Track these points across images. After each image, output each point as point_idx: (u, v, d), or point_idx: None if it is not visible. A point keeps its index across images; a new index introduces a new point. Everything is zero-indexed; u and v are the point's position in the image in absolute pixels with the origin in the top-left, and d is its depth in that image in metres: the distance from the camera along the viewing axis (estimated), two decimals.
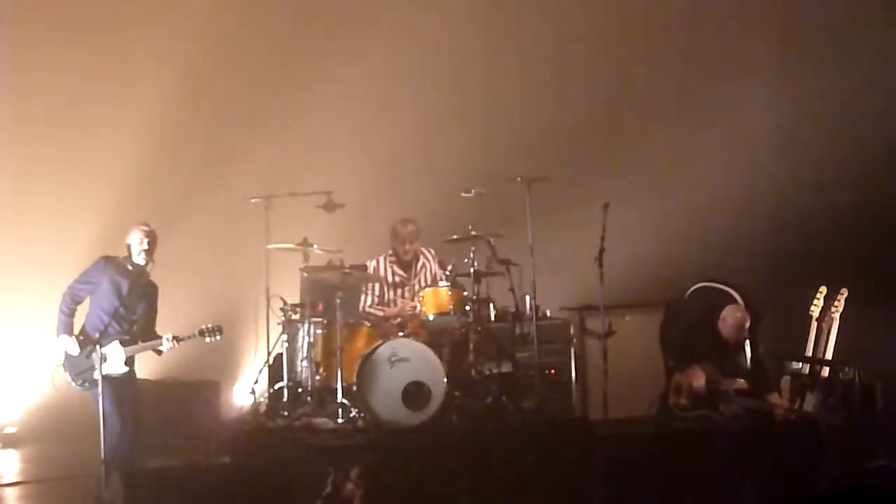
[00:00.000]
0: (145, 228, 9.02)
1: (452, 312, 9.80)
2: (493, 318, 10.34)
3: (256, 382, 10.32)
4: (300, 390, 9.93)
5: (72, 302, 8.92)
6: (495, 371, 10.09)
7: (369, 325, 9.97)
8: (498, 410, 9.76)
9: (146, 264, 8.95)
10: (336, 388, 9.58)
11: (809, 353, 9.71)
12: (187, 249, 11.20)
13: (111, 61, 11.44)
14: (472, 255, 9.94)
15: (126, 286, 8.90)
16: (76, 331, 8.93)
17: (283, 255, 10.28)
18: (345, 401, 9.53)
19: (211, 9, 11.57)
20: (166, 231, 9.50)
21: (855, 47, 11.88)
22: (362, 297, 10.22)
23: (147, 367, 9.28)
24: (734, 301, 9.44)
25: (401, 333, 9.72)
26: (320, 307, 10.12)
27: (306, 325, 9.98)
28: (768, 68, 12.49)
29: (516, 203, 10.25)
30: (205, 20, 11.53)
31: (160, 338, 8.93)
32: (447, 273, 10.01)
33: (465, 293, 9.88)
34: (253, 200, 10.44)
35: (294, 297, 10.50)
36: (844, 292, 9.71)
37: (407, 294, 10.20)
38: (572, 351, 10.86)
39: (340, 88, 11.83)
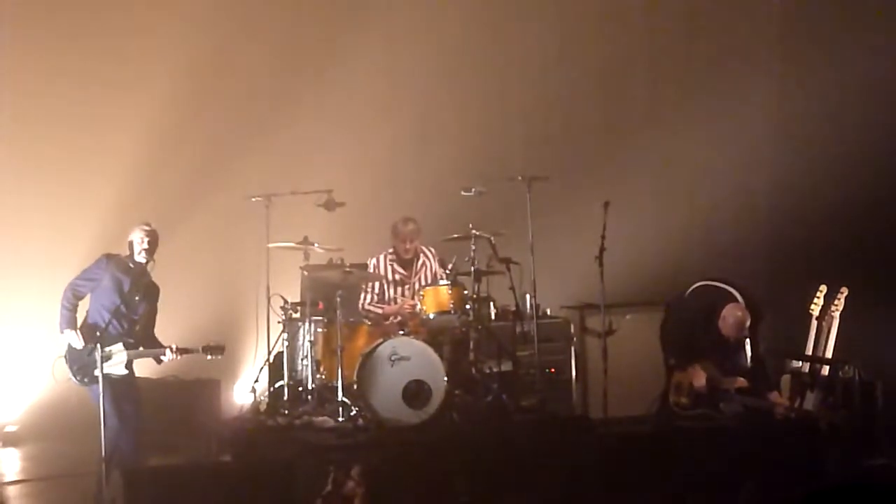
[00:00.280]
0: (147, 227, 9.02)
1: (453, 311, 9.79)
2: (493, 316, 10.37)
3: (257, 381, 10.30)
4: (301, 389, 9.92)
5: (73, 297, 8.89)
6: (496, 370, 10.07)
7: (370, 323, 9.97)
8: (498, 409, 9.75)
9: (147, 263, 8.95)
10: (336, 387, 9.58)
11: (809, 351, 9.72)
12: (188, 249, 11.21)
13: (111, 61, 11.45)
14: (472, 253, 9.93)
15: (128, 284, 8.90)
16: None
17: (284, 253, 10.27)
18: (345, 399, 9.53)
19: (211, 9, 11.57)
20: (167, 231, 9.48)
21: (855, 47, 11.88)
22: (362, 296, 10.23)
23: (147, 365, 9.26)
24: (734, 300, 9.43)
25: (401, 332, 9.71)
26: (321, 306, 10.10)
27: (307, 324, 9.97)
28: (768, 68, 12.49)
29: (517, 202, 10.24)
30: (205, 20, 11.53)
31: (160, 344, 8.93)
32: (447, 272, 10.01)
33: (466, 292, 9.87)
34: (253, 199, 10.42)
35: (294, 296, 10.50)
36: (845, 291, 9.72)
37: (407, 292, 10.19)
38: (573, 349, 10.87)
39: (341, 88, 11.85)
